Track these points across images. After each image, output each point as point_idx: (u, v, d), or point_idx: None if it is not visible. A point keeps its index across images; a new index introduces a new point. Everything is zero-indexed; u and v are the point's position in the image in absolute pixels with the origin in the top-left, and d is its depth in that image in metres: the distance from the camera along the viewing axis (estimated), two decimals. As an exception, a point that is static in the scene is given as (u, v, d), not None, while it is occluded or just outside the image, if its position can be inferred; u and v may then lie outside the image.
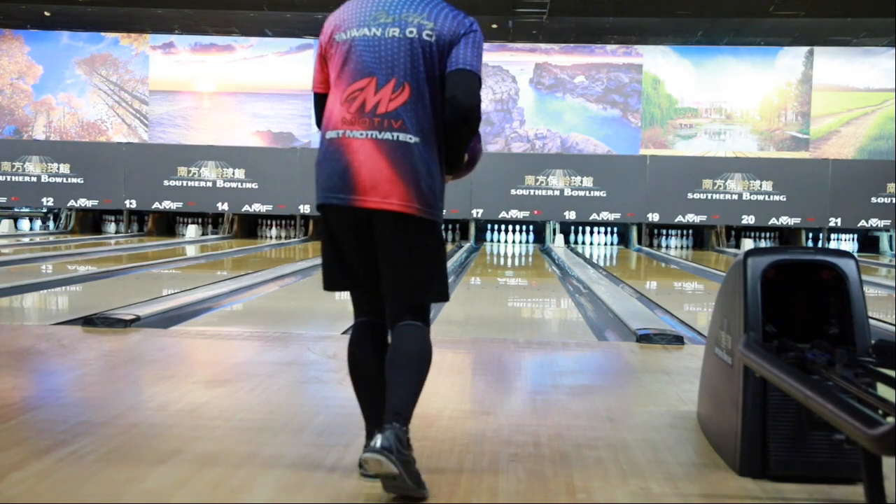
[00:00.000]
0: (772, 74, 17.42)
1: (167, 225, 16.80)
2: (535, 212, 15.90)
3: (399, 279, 2.47)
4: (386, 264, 2.47)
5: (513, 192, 15.85)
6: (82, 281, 8.67)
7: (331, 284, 2.60)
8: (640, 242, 15.84)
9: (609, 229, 16.39)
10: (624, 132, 17.55)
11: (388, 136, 2.41)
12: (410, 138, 2.41)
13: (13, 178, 16.31)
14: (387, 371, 2.45)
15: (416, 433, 3.10)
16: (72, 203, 16.27)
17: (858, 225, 15.75)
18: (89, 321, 5.25)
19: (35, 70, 18.01)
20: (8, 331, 5.15)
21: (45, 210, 16.67)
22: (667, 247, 16.17)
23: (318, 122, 2.58)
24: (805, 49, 17.25)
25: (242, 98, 17.90)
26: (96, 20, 16.86)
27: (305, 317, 6.62)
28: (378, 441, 2.25)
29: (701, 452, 2.90)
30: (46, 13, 16.36)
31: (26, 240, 14.35)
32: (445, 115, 2.45)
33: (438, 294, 2.54)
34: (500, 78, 17.69)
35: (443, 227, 2.67)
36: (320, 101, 2.60)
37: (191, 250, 13.38)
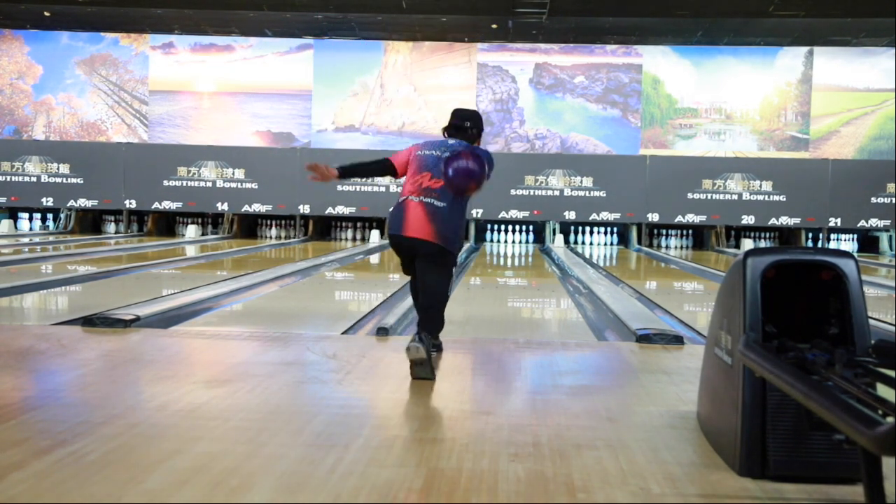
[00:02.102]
0: (772, 74, 17.42)
1: (167, 225, 16.80)
2: (535, 212, 15.91)
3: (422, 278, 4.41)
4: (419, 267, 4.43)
5: (513, 192, 15.86)
6: (82, 281, 8.67)
7: (406, 272, 4.57)
8: (639, 242, 15.85)
9: (609, 229, 16.39)
10: (624, 132, 17.55)
11: (427, 201, 4.28)
12: (441, 204, 4.29)
13: (13, 178, 16.32)
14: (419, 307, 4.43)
15: (416, 433, 3.11)
16: (72, 203, 16.27)
17: (858, 225, 15.75)
18: (89, 321, 5.25)
19: (35, 70, 18.02)
20: (8, 331, 5.15)
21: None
22: (667, 247, 16.17)
23: (370, 170, 4.72)
24: (805, 49, 17.25)
25: (242, 98, 17.90)
26: (96, 20, 16.86)
27: (305, 317, 6.62)
28: (415, 338, 3.97)
29: (701, 452, 2.90)
30: (46, 13, 16.36)
31: (26, 240, 14.34)
32: None
33: (440, 287, 4.39)
34: (499, 78, 17.70)
35: (456, 258, 4.43)
36: (385, 164, 4.56)
37: (191, 250, 13.38)
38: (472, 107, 17.42)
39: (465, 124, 4.56)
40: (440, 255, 4.28)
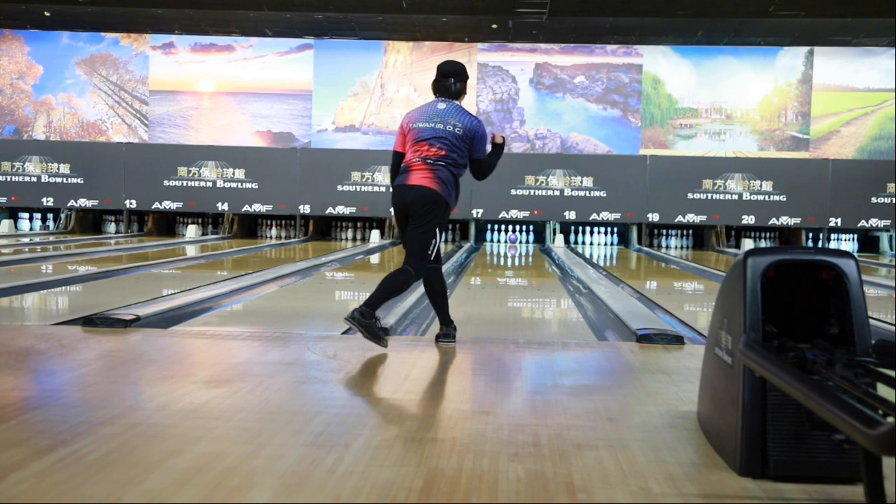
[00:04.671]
0: (772, 74, 17.42)
1: (167, 225, 16.80)
2: (535, 212, 15.91)
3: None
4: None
5: (513, 192, 15.86)
6: (82, 281, 8.67)
7: (401, 233, 4.94)
8: (640, 242, 15.85)
9: (609, 229, 16.39)
10: (624, 132, 17.55)
11: (430, 163, 4.71)
12: (442, 165, 4.74)
13: (13, 178, 16.32)
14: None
15: (416, 433, 3.11)
16: (72, 203, 16.27)
17: (858, 225, 15.75)
18: (89, 321, 5.25)
19: (35, 70, 18.02)
20: (8, 331, 5.15)
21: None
22: (667, 247, 16.17)
23: (394, 172, 4.86)
24: (805, 49, 17.25)
25: (242, 98, 17.90)
26: (96, 20, 16.86)
27: (305, 317, 6.62)
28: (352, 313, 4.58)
29: (701, 452, 2.89)
30: (46, 13, 16.36)
31: (26, 240, 14.34)
32: (474, 174, 4.95)
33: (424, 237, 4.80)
34: (500, 78, 17.70)
35: (449, 211, 4.79)
36: (398, 157, 4.86)
37: (191, 250, 13.38)
38: (471, 106, 17.46)
39: (448, 81, 4.85)
40: (434, 201, 4.66)
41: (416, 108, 4.91)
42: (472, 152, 4.80)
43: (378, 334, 4.58)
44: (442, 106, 4.80)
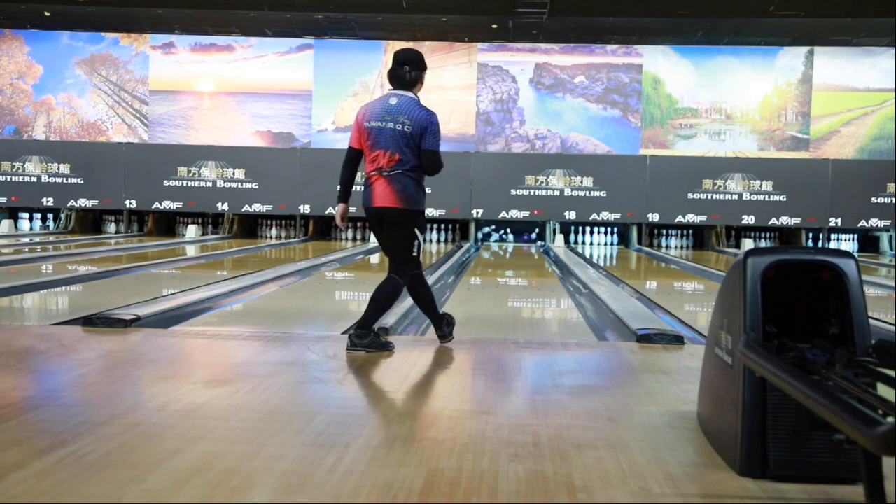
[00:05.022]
0: (772, 74, 17.42)
1: (167, 225, 16.80)
2: (535, 212, 15.91)
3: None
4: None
5: (513, 192, 15.86)
6: (82, 281, 8.67)
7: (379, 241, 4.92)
8: (640, 242, 15.84)
9: (609, 229, 16.39)
10: (624, 132, 17.55)
11: (387, 175, 4.64)
12: (398, 173, 4.64)
13: (13, 178, 16.32)
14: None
15: (416, 433, 3.11)
16: (72, 203, 16.27)
17: (858, 225, 15.75)
18: (89, 321, 5.25)
19: (35, 70, 18.02)
20: (8, 331, 5.15)
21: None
22: (667, 247, 16.17)
23: (347, 167, 4.83)
24: (805, 49, 17.25)
25: (242, 98, 17.90)
26: (96, 20, 16.86)
27: (305, 317, 6.62)
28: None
29: (701, 452, 2.89)
30: (46, 13, 16.36)
31: (26, 240, 14.34)
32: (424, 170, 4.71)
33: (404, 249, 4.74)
34: (500, 78, 17.69)
35: (421, 219, 4.74)
36: (351, 153, 4.79)
37: (191, 250, 13.38)
38: (471, 106, 17.47)
39: (403, 70, 4.70)
40: (405, 217, 4.65)
41: (371, 101, 4.82)
42: (421, 144, 4.64)
43: (381, 345, 4.62)
44: (393, 101, 4.66)
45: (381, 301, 4.65)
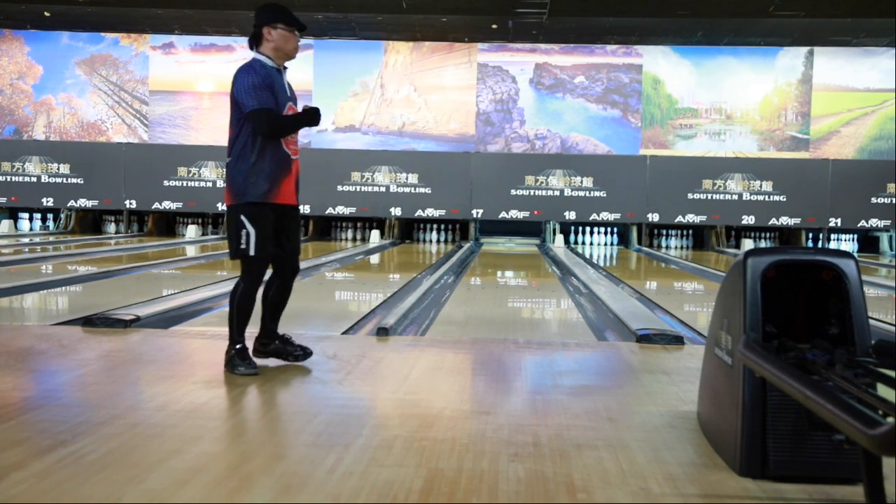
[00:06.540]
0: (772, 74, 17.42)
1: (167, 225, 16.79)
2: (535, 212, 15.91)
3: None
4: None
5: (513, 192, 15.86)
6: (82, 281, 8.67)
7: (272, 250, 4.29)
8: (640, 242, 15.84)
9: (609, 229, 16.39)
10: (624, 132, 17.55)
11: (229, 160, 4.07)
12: (229, 160, 4.06)
13: (13, 178, 16.32)
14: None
15: (416, 433, 3.11)
16: (72, 203, 16.27)
17: (858, 225, 15.75)
18: (89, 321, 5.25)
19: (35, 70, 18.02)
20: (8, 331, 5.15)
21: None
22: (667, 247, 16.17)
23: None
24: (805, 49, 17.25)
25: (242, 98, 17.87)
26: (96, 20, 16.86)
27: (305, 317, 6.61)
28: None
29: (701, 452, 2.90)
30: (46, 13, 16.36)
31: (26, 240, 14.34)
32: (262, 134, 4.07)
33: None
34: (500, 78, 17.69)
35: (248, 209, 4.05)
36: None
37: (191, 250, 13.38)
38: (471, 106, 17.47)
39: (253, 26, 4.26)
40: (229, 218, 4.09)
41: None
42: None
43: (288, 350, 4.29)
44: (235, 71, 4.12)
45: (244, 310, 4.20)
